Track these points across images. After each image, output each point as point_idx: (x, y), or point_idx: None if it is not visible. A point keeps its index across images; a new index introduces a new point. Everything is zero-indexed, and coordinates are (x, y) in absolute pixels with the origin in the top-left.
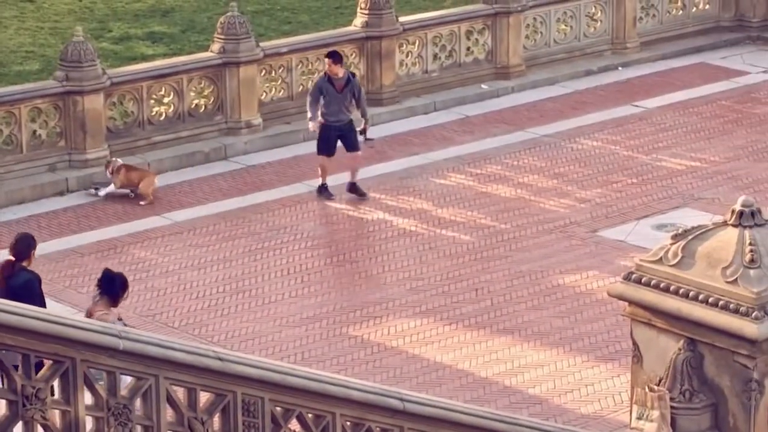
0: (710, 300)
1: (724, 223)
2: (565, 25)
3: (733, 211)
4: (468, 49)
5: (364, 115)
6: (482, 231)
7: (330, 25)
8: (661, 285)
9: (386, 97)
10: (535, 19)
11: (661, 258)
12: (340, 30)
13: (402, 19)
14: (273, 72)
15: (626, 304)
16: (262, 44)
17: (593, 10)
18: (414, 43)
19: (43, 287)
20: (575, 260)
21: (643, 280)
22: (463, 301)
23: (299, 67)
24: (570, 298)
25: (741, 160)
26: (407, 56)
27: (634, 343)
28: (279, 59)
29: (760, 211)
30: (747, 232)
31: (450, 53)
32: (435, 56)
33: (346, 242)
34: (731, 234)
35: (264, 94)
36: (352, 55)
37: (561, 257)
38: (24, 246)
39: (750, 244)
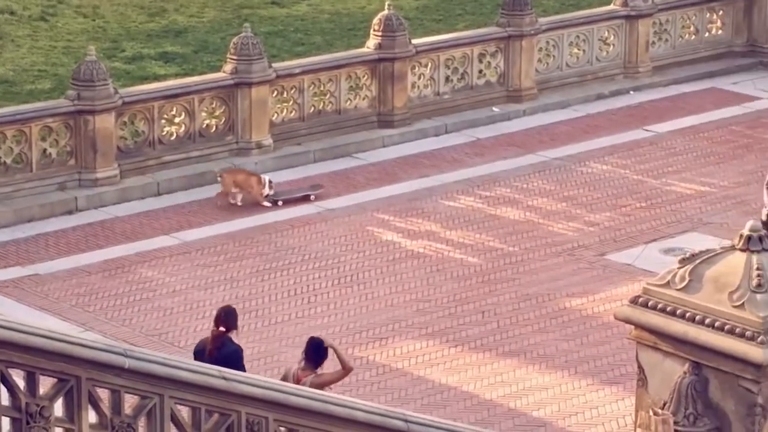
0: (716, 324)
1: (732, 248)
2: (578, 49)
3: (741, 236)
4: (480, 71)
5: None
6: (490, 253)
7: (343, 47)
8: (668, 309)
9: (398, 119)
10: (547, 42)
11: (668, 282)
12: (352, 51)
13: (415, 41)
14: (285, 93)
15: (632, 327)
16: (274, 65)
17: (606, 34)
18: (426, 66)
19: (51, 306)
20: (582, 283)
21: (649, 304)
22: (469, 323)
23: (311, 88)
24: (576, 321)
25: (750, 185)
26: (419, 78)
27: (640, 367)
28: (291, 80)
29: (767, 236)
30: (755, 257)
31: (462, 76)
32: (447, 78)
33: (354, 263)
34: (739, 259)
35: (275, 114)
36: (364, 77)
37: (568, 280)
38: (232, 319)
39: (757, 268)
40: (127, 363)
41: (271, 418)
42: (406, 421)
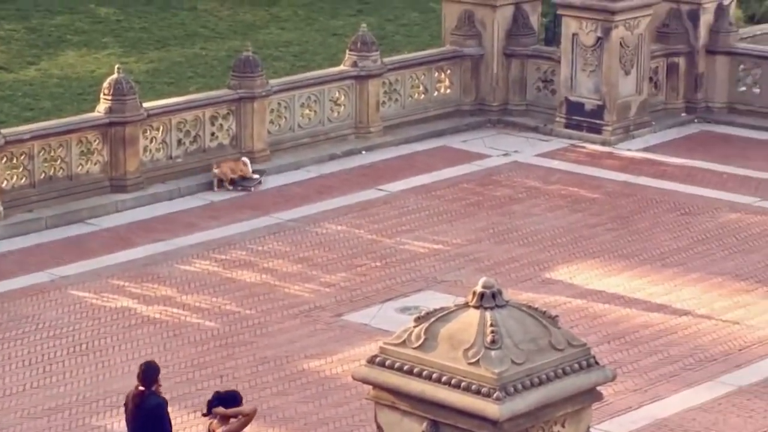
0: (453, 382)
1: (466, 305)
2: (309, 110)
3: (474, 293)
4: (213, 134)
5: None
6: (227, 317)
7: (73, 111)
8: (405, 368)
9: (131, 184)
10: (279, 103)
11: (404, 341)
12: (83, 116)
13: (146, 104)
14: (15, 159)
15: (371, 387)
16: (3, 131)
17: (337, 94)
18: (158, 129)
19: None
20: (320, 345)
21: (386, 363)
22: (208, 388)
23: (42, 153)
24: (315, 383)
25: (482, 242)
26: (152, 142)
27: (379, 427)
28: (21, 146)
29: (501, 293)
30: (488, 314)
31: (195, 138)
32: (180, 141)
33: (89, 331)
34: (473, 315)
35: (5, 181)
36: (95, 141)
37: (306, 342)
38: (152, 374)
39: (491, 325)
40: None
41: None
42: None
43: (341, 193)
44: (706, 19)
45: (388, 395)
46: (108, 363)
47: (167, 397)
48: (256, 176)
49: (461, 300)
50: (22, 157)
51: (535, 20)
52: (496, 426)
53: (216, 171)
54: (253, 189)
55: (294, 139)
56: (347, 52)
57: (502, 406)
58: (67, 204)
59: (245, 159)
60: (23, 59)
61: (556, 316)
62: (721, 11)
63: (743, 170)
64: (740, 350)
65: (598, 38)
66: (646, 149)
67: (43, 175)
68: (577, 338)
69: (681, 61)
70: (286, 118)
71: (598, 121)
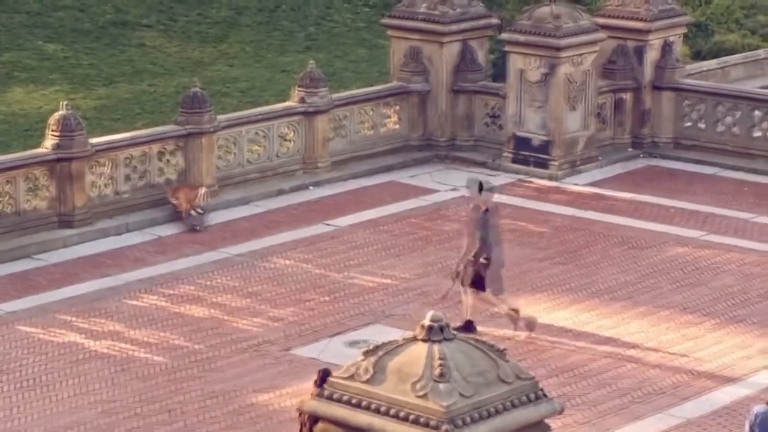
0: (401, 415)
1: (414, 339)
2: (258, 146)
3: (422, 326)
4: (160, 169)
5: None
6: (175, 351)
7: (20, 148)
8: (353, 401)
9: (78, 219)
10: (227, 139)
11: (353, 374)
12: (30, 152)
13: (93, 140)
14: None
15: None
16: None
17: (285, 130)
18: (105, 165)
19: None
20: (269, 379)
21: (335, 397)
22: (156, 423)
23: None
24: (264, 417)
25: (431, 276)
26: (99, 177)
27: None
28: None
29: (448, 326)
30: (436, 347)
31: (142, 174)
32: (127, 177)
33: (36, 366)
34: (421, 349)
35: None
36: (42, 177)
37: (254, 376)
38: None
39: (439, 358)
40: None
41: None
42: None
43: (289, 228)
44: (652, 55)
45: (337, 429)
46: (55, 398)
47: (116, 431)
48: (200, 212)
49: (409, 334)
50: None
51: (482, 56)
52: None
53: (174, 201)
54: (199, 228)
55: (242, 174)
56: (296, 88)
57: None
58: (15, 239)
59: (202, 190)
60: None
61: (504, 349)
62: (667, 48)
63: (690, 204)
64: (688, 383)
65: (545, 74)
66: (593, 184)
67: None
68: (525, 371)
69: (628, 97)
70: (234, 153)
71: (545, 156)
